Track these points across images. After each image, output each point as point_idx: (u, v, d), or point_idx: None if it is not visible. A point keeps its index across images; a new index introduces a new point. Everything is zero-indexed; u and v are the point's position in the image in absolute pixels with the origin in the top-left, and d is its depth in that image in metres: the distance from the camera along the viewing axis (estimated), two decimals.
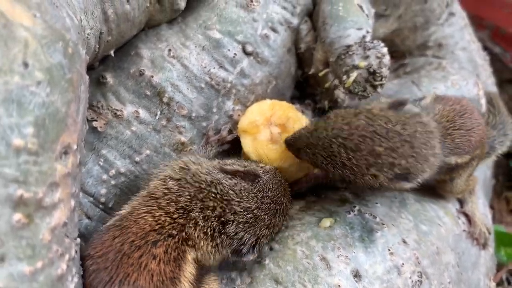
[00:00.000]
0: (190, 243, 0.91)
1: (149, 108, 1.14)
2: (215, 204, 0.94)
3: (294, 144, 1.09)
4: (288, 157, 1.15)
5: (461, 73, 1.57)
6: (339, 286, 1.02)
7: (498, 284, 1.71)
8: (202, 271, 0.95)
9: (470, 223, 1.34)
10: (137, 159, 1.14)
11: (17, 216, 0.66)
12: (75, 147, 0.76)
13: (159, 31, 1.19)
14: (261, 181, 1.01)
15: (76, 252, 0.81)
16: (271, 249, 1.09)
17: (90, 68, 1.16)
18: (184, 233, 0.91)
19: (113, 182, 1.13)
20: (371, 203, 1.20)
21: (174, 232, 0.90)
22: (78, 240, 0.83)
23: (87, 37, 0.94)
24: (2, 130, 0.64)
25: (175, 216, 0.92)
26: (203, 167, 1.00)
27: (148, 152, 1.14)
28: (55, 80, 0.71)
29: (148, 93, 1.13)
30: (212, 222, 0.93)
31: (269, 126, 1.16)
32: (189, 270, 0.89)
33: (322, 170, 1.08)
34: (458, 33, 1.73)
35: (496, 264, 1.66)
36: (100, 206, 1.12)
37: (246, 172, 1.00)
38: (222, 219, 0.93)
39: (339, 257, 1.06)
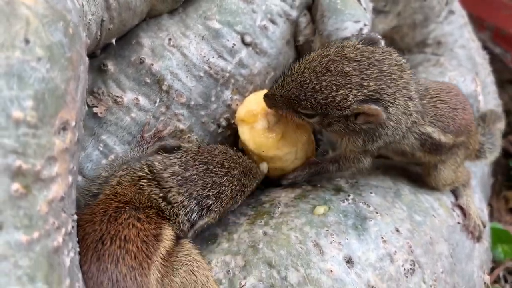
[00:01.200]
0: (162, 214, 1.00)
1: (149, 96, 1.16)
2: (150, 184, 1.02)
3: (270, 93, 1.11)
4: (284, 146, 1.17)
5: (459, 69, 1.59)
6: (331, 271, 1.04)
7: (495, 281, 1.72)
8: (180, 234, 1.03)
9: (465, 216, 1.35)
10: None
11: (15, 186, 0.68)
12: (73, 123, 0.78)
13: (160, 21, 1.22)
14: (183, 149, 1.08)
15: (72, 227, 0.83)
16: (265, 234, 1.11)
17: (92, 56, 1.18)
18: (154, 206, 1.00)
19: None
20: (365, 192, 1.22)
21: (148, 203, 0.99)
22: (75, 216, 0.85)
23: (89, 22, 0.97)
24: (2, 102, 0.66)
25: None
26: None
27: None
28: (55, 58, 0.74)
29: (148, 80, 1.16)
30: (157, 198, 1.01)
31: (266, 115, 1.18)
32: (168, 231, 0.97)
33: (295, 111, 1.09)
34: (457, 31, 1.75)
35: (493, 261, 1.67)
36: None
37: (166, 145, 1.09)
38: (162, 193, 1.01)
39: (332, 243, 1.08)
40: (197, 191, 1.02)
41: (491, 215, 1.99)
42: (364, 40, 1.10)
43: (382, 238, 1.12)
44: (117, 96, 1.15)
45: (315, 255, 1.06)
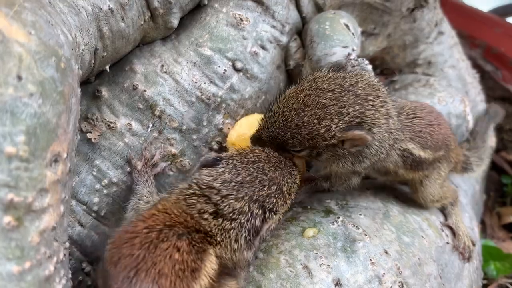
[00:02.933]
0: (209, 239, 0.93)
1: (142, 121, 1.19)
2: (200, 200, 0.96)
3: (256, 135, 1.13)
4: None
5: (448, 90, 1.62)
6: None
7: None
8: (224, 270, 0.95)
9: (455, 236, 1.37)
10: (129, 169, 1.19)
11: (7, 219, 0.70)
12: (65, 155, 0.81)
13: (153, 47, 1.25)
14: (226, 157, 1.02)
15: (64, 255, 0.85)
16: (256, 257, 1.13)
17: (86, 82, 1.21)
18: (202, 229, 0.93)
19: (105, 191, 1.18)
20: (354, 214, 1.24)
21: (197, 227, 0.92)
22: (67, 244, 0.87)
23: (82, 52, 1.00)
24: None
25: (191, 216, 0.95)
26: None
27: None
28: (47, 93, 0.76)
29: (141, 106, 1.19)
30: (207, 217, 0.94)
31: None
32: (210, 264, 0.90)
33: (284, 150, 1.10)
34: (447, 51, 1.78)
35: (486, 279, 1.68)
36: (93, 214, 1.17)
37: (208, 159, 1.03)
38: (212, 208, 0.95)
39: (321, 266, 1.10)
40: (257, 192, 0.96)
41: (484, 232, 2.01)
42: (333, 67, 1.13)
43: (371, 260, 1.14)
44: (111, 122, 1.18)
45: (304, 278, 1.08)
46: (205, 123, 1.24)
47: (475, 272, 1.41)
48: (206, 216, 0.94)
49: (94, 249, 1.18)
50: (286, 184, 1.02)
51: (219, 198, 0.94)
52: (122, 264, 0.85)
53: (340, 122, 1.03)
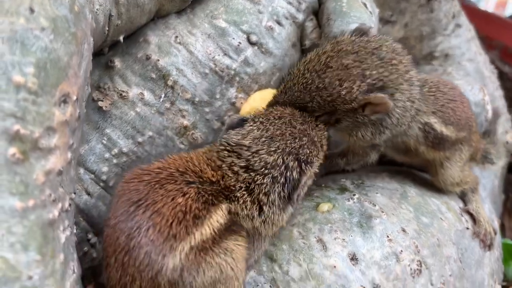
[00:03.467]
0: (226, 193, 0.90)
1: (154, 91, 1.17)
2: (231, 155, 0.94)
3: (273, 101, 1.10)
4: None
5: (466, 78, 1.59)
6: (334, 267, 1.01)
7: None
8: (234, 227, 0.90)
9: (475, 222, 1.32)
10: (140, 139, 1.16)
11: (12, 150, 0.68)
12: (74, 98, 0.79)
13: (168, 20, 1.23)
14: (250, 118, 1.00)
15: (70, 205, 0.82)
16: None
17: (99, 54, 1.20)
18: (222, 182, 0.90)
19: (115, 161, 1.15)
20: (371, 193, 1.20)
21: (213, 179, 0.89)
22: (73, 195, 0.85)
23: (96, 11, 0.98)
24: (4, 66, 0.67)
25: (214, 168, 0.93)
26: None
27: (150, 133, 1.17)
28: (59, 30, 0.75)
29: (154, 76, 1.17)
30: (238, 170, 0.92)
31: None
32: (217, 217, 0.86)
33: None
34: (464, 44, 1.75)
35: (505, 280, 1.61)
36: (101, 184, 1.14)
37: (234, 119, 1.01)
38: (243, 162, 0.92)
39: (335, 239, 1.05)
40: (289, 144, 0.93)
41: (503, 234, 1.94)
42: (355, 32, 1.10)
43: (388, 236, 1.09)
44: (123, 91, 1.16)
45: (318, 251, 1.03)
46: (218, 96, 1.21)
47: (496, 263, 1.35)
48: (236, 169, 0.91)
49: (101, 219, 1.14)
50: (317, 135, 0.99)
51: (249, 154, 0.92)
52: (125, 197, 0.84)
53: (362, 84, 0.99)
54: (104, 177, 1.14)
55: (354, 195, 1.18)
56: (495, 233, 1.33)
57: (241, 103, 1.23)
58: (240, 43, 1.22)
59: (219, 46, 1.21)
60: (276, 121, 0.96)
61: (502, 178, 1.85)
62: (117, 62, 1.18)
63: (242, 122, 0.98)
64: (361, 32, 1.09)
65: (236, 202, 0.90)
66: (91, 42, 0.88)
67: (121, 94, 1.16)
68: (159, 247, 0.79)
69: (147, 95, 1.17)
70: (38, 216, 0.71)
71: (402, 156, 1.29)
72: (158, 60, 1.17)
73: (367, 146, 1.15)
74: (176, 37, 1.20)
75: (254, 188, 0.91)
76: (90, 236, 1.14)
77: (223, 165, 0.92)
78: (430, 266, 1.10)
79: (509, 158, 1.96)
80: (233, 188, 0.90)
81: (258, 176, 0.91)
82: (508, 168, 2.00)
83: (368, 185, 1.24)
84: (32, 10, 0.71)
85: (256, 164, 0.91)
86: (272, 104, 1.09)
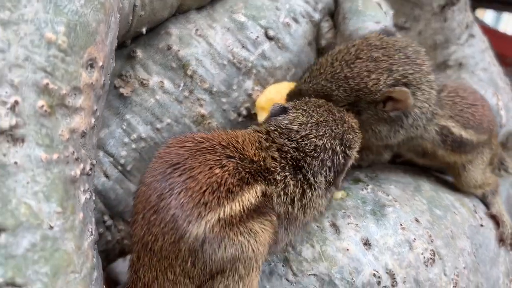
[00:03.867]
0: (265, 174, 0.90)
1: (174, 80, 1.21)
2: (281, 136, 0.95)
3: (295, 90, 1.13)
4: None
5: (479, 83, 1.60)
6: (347, 250, 1.01)
7: None
8: (264, 210, 0.89)
9: (498, 224, 1.31)
10: (158, 126, 1.19)
11: (41, 103, 0.71)
12: (100, 64, 0.82)
13: (189, 15, 1.28)
14: (292, 106, 1.01)
15: (90, 170, 0.84)
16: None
17: (122, 46, 1.25)
18: (263, 163, 0.90)
19: (133, 145, 1.18)
20: (385, 184, 1.21)
21: (255, 158, 0.90)
22: (94, 161, 0.87)
23: None
24: (37, 22, 0.71)
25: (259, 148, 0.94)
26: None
27: (169, 120, 1.20)
28: None
29: (174, 65, 1.21)
30: (289, 149, 0.93)
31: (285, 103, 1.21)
32: (249, 196, 0.85)
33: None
34: (478, 54, 1.78)
35: None
36: (119, 167, 1.17)
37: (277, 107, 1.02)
38: (294, 143, 0.94)
39: (349, 224, 1.06)
40: (334, 129, 0.96)
41: None
42: (382, 32, 1.14)
43: (401, 225, 1.09)
44: (144, 79, 1.20)
45: (331, 234, 1.04)
46: (235, 87, 1.24)
47: (511, 263, 1.33)
48: (286, 149, 0.93)
49: (117, 203, 1.17)
50: (353, 122, 1.02)
51: (299, 137, 0.94)
52: (164, 158, 0.85)
53: (389, 78, 1.03)
54: (122, 161, 1.17)
55: (368, 185, 1.19)
56: None
57: (257, 95, 1.26)
58: (258, 37, 1.26)
59: (238, 39, 1.25)
60: (317, 109, 0.99)
61: None
62: (139, 52, 1.23)
63: (284, 110, 1.00)
64: (388, 33, 1.12)
65: (274, 186, 0.90)
66: (117, 17, 0.92)
67: (142, 82, 1.20)
68: (186, 212, 0.79)
69: (167, 84, 1.20)
70: (61, 170, 0.74)
71: (421, 158, 1.29)
72: (179, 50, 1.21)
73: (381, 145, 1.17)
74: (197, 29, 1.24)
75: (301, 169, 0.92)
76: (106, 218, 1.16)
77: (273, 146, 0.93)
78: (444, 256, 1.10)
79: None
80: (274, 170, 0.90)
81: (308, 157, 0.93)
82: None
83: (382, 178, 1.24)
84: None
85: (307, 147, 0.93)
86: (295, 92, 1.13)
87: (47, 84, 0.71)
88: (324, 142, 0.94)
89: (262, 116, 1.22)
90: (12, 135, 0.68)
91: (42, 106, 0.71)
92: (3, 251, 0.65)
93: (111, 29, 0.87)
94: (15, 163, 0.68)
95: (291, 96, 1.14)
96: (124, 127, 1.18)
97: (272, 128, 0.96)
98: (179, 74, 1.21)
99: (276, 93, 1.23)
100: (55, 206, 0.72)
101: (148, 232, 0.81)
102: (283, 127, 0.96)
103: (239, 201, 0.83)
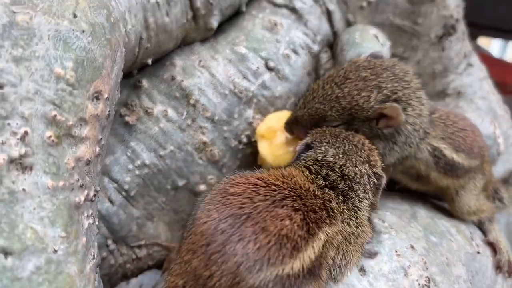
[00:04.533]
0: (326, 216, 0.91)
1: (177, 108, 1.26)
2: (322, 169, 1.00)
3: (292, 118, 1.18)
4: None
5: (477, 112, 1.64)
6: None
7: None
8: (317, 270, 0.90)
9: (495, 251, 1.33)
10: (162, 153, 1.24)
11: (49, 133, 0.76)
12: (106, 96, 0.87)
13: (193, 47, 1.34)
14: (315, 141, 1.06)
15: (94, 196, 0.88)
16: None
17: (129, 76, 1.31)
18: (321, 201, 0.93)
19: (137, 172, 1.22)
20: (381, 211, 1.23)
21: (319, 204, 0.92)
22: (98, 188, 0.91)
23: (128, 31, 1.09)
24: (48, 58, 0.77)
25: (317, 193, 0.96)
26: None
27: (172, 148, 1.24)
28: (96, 34, 0.85)
29: (177, 95, 1.26)
30: (336, 179, 0.98)
31: (284, 131, 1.25)
32: (310, 252, 0.86)
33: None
34: (477, 83, 1.82)
35: None
36: (123, 193, 1.21)
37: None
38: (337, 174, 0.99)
39: None
40: (360, 154, 1.02)
41: None
42: (370, 56, 1.19)
43: (396, 252, 1.11)
44: (148, 108, 1.25)
45: None
46: (236, 116, 1.29)
47: None
48: (334, 177, 0.97)
49: (120, 227, 1.20)
50: (368, 142, 1.08)
51: (339, 166, 0.99)
52: (237, 201, 0.86)
53: (379, 95, 1.08)
54: (126, 187, 1.21)
55: None
56: None
57: (258, 123, 1.31)
58: (258, 68, 1.31)
59: (239, 70, 1.30)
60: (337, 139, 1.05)
61: None
62: (145, 82, 1.28)
63: (309, 146, 1.06)
64: (375, 56, 1.18)
65: (336, 225, 0.93)
66: (123, 51, 0.97)
67: (146, 111, 1.25)
68: (250, 263, 0.80)
69: (171, 112, 1.25)
70: (66, 197, 0.78)
71: (415, 182, 1.32)
72: (182, 80, 1.27)
73: None
74: (200, 61, 1.30)
75: (349, 199, 0.97)
76: (109, 242, 1.19)
77: (319, 178, 0.97)
78: (439, 283, 1.11)
79: None
80: (333, 209, 0.94)
81: (354, 184, 0.99)
82: None
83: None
84: (75, 15, 0.81)
85: (350, 174, 0.99)
86: (292, 120, 1.17)
87: (55, 115, 0.76)
88: (360, 169, 1.00)
89: (262, 144, 1.26)
90: (21, 164, 0.73)
91: (50, 136, 0.76)
92: (9, 274, 0.69)
93: (116, 63, 0.92)
94: (23, 190, 0.72)
95: (288, 124, 1.19)
96: (129, 154, 1.23)
97: (310, 163, 1.00)
98: (182, 103, 1.26)
99: (277, 121, 1.27)
100: (60, 231, 0.76)
101: (206, 268, 0.81)
102: (321, 160, 1.01)
103: (300, 259, 0.84)
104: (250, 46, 1.33)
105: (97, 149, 0.88)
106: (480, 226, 1.39)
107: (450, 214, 1.34)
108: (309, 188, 0.94)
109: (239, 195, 0.88)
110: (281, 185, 0.91)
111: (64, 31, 0.79)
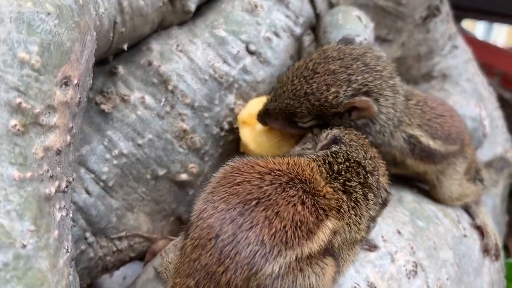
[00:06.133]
0: (335, 207, 0.88)
1: (155, 95, 1.21)
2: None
3: (263, 110, 1.14)
4: (284, 145, 1.18)
5: (462, 94, 1.62)
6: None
7: None
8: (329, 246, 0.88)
9: (483, 234, 1.32)
10: (140, 142, 1.20)
11: (13, 122, 0.71)
12: (75, 81, 0.83)
13: (170, 31, 1.30)
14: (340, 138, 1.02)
15: (66, 187, 0.84)
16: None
17: (104, 63, 1.26)
18: (331, 196, 0.89)
19: (115, 162, 1.18)
20: None
21: (323, 191, 0.89)
22: (71, 179, 0.87)
23: (101, 15, 1.04)
24: (10, 42, 0.72)
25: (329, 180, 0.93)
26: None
27: (150, 136, 1.20)
28: (63, 17, 0.80)
29: (155, 81, 1.21)
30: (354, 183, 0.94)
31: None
32: (323, 235, 0.83)
33: (291, 121, 1.11)
34: (462, 65, 1.80)
35: None
36: (101, 183, 1.16)
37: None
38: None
39: None
40: (380, 166, 1.01)
41: (507, 255, 1.92)
42: (341, 41, 1.16)
43: (383, 237, 1.09)
44: (125, 95, 1.20)
45: None
46: (217, 102, 1.25)
47: (496, 274, 1.33)
48: (356, 182, 0.94)
49: (99, 219, 1.16)
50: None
51: (365, 173, 0.96)
52: (245, 189, 0.82)
53: (349, 89, 1.04)
54: (104, 177, 1.17)
55: None
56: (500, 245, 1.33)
57: (240, 109, 1.27)
58: (239, 51, 1.27)
59: (219, 54, 1.26)
60: (363, 142, 1.03)
61: (504, 199, 1.84)
62: (121, 69, 1.23)
63: (336, 140, 1.01)
64: (346, 41, 1.14)
65: (341, 219, 0.89)
66: (94, 35, 0.93)
67: (123, 98, 1.20)
68: (266, 249, 0.75)
69: (148, 99, 1.21)
70: (35, 189, 0.74)
71: (393, 167, 1.29)
72: (160, 66, 1.22)
73: None
74: (178, 45, 1.25)
75: (362, 205, 0.94)
76: (88, 235, 1.15)
77: (339, 179, 0.93)
78: (426, 268, 1.10)
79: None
80: (341, 204, 0.90)
81: (371, 195, 0.95)
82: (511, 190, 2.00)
83: None
84: None
85: (373, 183, 0.96)
86: (264, 112, 1.13)
87: (20, 103, 0.72)
88: (381, 180, 0.99)
89: (244, 130, 1.22)
90: None
91: (15, 125, 0.71)
92: None
93: (86, 47, 0.87)
94: None
95: (260, 116, 1.15)
96: (106, 144, 1.18)
97: (339, 161, 0.95)
98: (160, 89, 1.22)
99: (258, 106, 1.23)
100: (29, 224, 0.72)
101: (218, 263, 0.76)
102: (353, 160, 0.96)
103: (316, 240, 0.82)
104: (229, 29, 1.28)
105: (68, 138, 0.83)
106: (467, 209, 1.37)
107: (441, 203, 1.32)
108: (323, 185, 0.90)
109: (247, 183, 0.83)
110: (287, 170, 0.87)
111: (28, 13, 0.74)
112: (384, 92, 1.07)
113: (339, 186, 0.92)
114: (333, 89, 1.04)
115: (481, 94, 1.79)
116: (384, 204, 1.00)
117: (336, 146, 0.99)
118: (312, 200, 0.84)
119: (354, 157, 0.96)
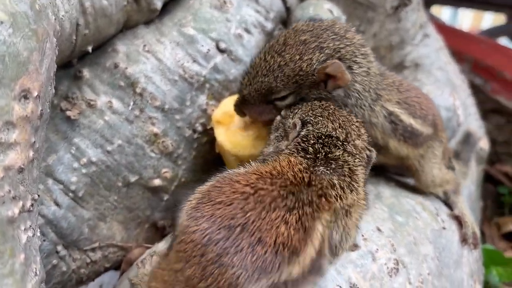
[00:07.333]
0: (327, 195, 0.86)
1: (123, 99, 1.16)
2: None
3: (239, 98, 1.11)
4: (260, 144, 1.15)
5: (436, 84, 1.62)
6: None
7: None
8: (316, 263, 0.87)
9: (461, 224, 1.32)
10: (109, 148, 1.15)
11: None
12: (35, 94, 0.77)
13: (136, 31, 1.24)
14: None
15: (32, 206, 0.79)
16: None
17: (68, 66, 1.20)
18: (319, 185, 0.87)
19: (84, 170, 1.13)
20: None
21: (312, 199, 0.86)
22: (36, 196, 0.82)
23: (62, 18, 0.98)
24: None
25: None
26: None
27: (120, 142, 1.15)
28: (18, 25, 0.74)
29: (122, 84, 1.16)
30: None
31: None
32: (310, 251, 0.82)
33: (269, 102, 1.08)
34: (434, 53, 1.79)
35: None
36: (70, 194, 1.11)
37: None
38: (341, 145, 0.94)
39: None
40: (354, 128, 0.97)
41: (484, 242, 1.94)
42: (308, 20, 1.15)
43: (363, 236, 1.08)
44: (91, 100, 1.15)
45: None
46: (188, 103, 1.21)
47: (475, 263, 1.34)
48: (338, 153, 0.91)
49: (71, 231, 1.11)
50: (354, 116, 1.04)
51: (341, 142, 0.93)
52: (227, 212, 0.81)
53: (321, 56, 1.02)
54: (73, 187, 1.12)
55: None
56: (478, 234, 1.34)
57: (212, 109, 1.23)
58: (209, 50, 1.23)
59: (188, 53, 1.21)
60: (330, 112, 1.00)
61: (479, 185, 1.86)
62: (86, 72, 1.18)
63: (304, 122, 0.98)
64: (313, 20, 1.13)
65: (333, 202, 0.87)
66: (54, 42, 0.87)
67: (89, 103, 1.15)
68: (247, 274, 0.77)
69: (116, 103, 1.16)
70: None
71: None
72: (126, 68, 1.17)
73: None
74: (145, 45, 1.20)
75: (352, 174, 0.92)
76: (59, 248, 1.10)
77: (316, 158, 0.91)
78: (408, 264, 1.09)
79: (485, 165, 1.98)
80: (332, 183, 0.88)
81: (357, 160, 0.93)
82: (485, 176, 2.02)
83: None
84: None
85: (352, 149, 0.94)
86: (240, 101, 1.10)
87: None
88: (358, 143, 0.96)
89: (218, 130, 1.18)
90: None
91: None
92: None
93: (46, 56, 0.82)
94: None
95: (237, 106, 1.11)
96: (73, 152, 1.13)
97: (312, 142, 0.93)
98: (128, 92, 1.17)
99: (232, 105, 1.20)
100: None
101: (201, 279, 0.77)
102: (324, 135, 0.94)
103: (299, 263, 0.81)
104: (198, 26, 1.24)
105: (31, 153, 0.78)
106: (446, 200, 1.37)
107: (414, 190, 1.31)
108: (302, 178, 0.87)
109: (229, 205, 0.82)
110: (270, 187, 0.85)
111: None
112: (357, 60, 1.06)
113: (322, 169, 0.90)
114: (305, 57, 1.02)
115: (454, 83, 1.79)
116: (368, 162, 0.99)
117: (304, 130, 0.97)
118: (297, 215, 0.82)
119: (323, 133, 0.94)
